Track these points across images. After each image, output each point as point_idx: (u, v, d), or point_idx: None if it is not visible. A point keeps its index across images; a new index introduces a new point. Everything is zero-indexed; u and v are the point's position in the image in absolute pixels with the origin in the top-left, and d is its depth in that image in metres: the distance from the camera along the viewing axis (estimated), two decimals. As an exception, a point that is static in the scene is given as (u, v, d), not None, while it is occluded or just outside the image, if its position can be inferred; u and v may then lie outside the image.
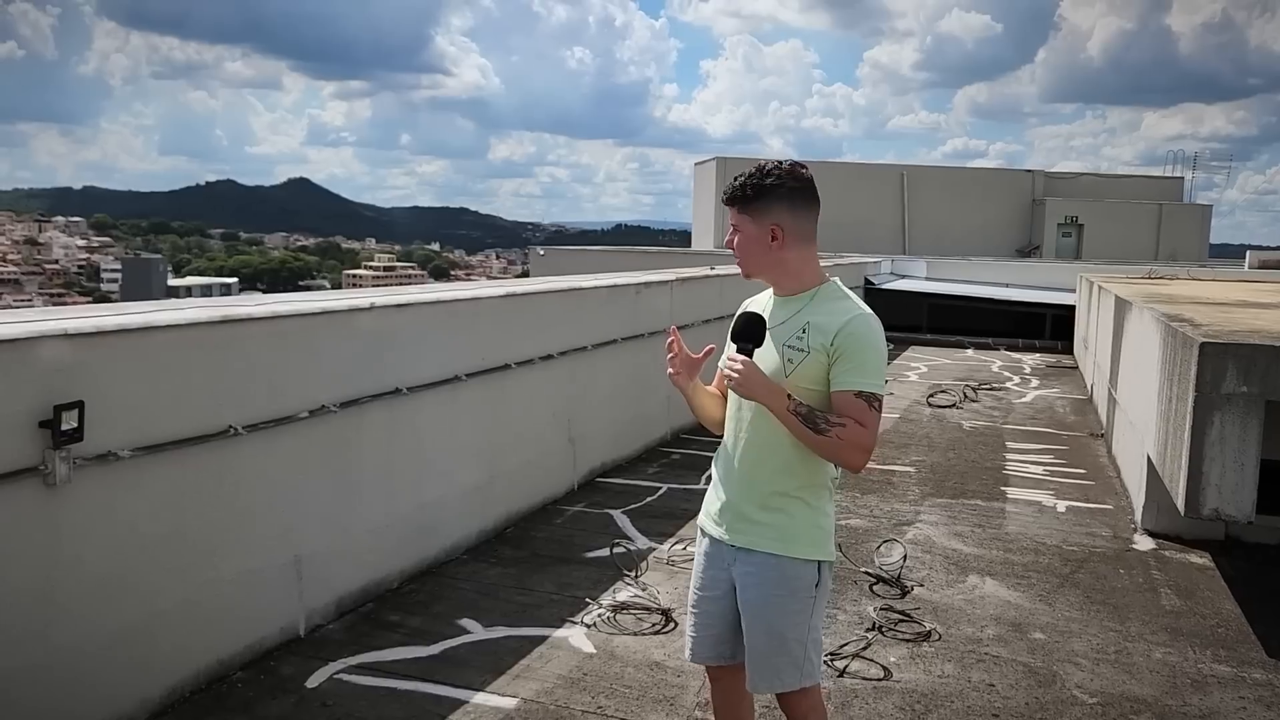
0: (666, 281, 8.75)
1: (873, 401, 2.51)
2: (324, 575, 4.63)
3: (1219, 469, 4.78)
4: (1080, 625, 4.86)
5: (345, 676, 4.13)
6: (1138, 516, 6.65)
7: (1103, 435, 9.69)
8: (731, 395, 2.72)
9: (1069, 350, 17.22)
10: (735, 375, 2.54)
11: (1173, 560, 5.92)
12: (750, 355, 2.58)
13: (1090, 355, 12.83)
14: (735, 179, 2.67)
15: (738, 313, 2.71)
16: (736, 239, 2.68)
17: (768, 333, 2.62)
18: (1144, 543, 6.25)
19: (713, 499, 2.81)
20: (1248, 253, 26.17)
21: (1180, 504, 4.94)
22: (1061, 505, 7.11)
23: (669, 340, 2.78)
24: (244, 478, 4.15)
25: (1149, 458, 6.26)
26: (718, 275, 10.24)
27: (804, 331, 2.59)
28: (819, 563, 2.66)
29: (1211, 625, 4.92)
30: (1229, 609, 5.14)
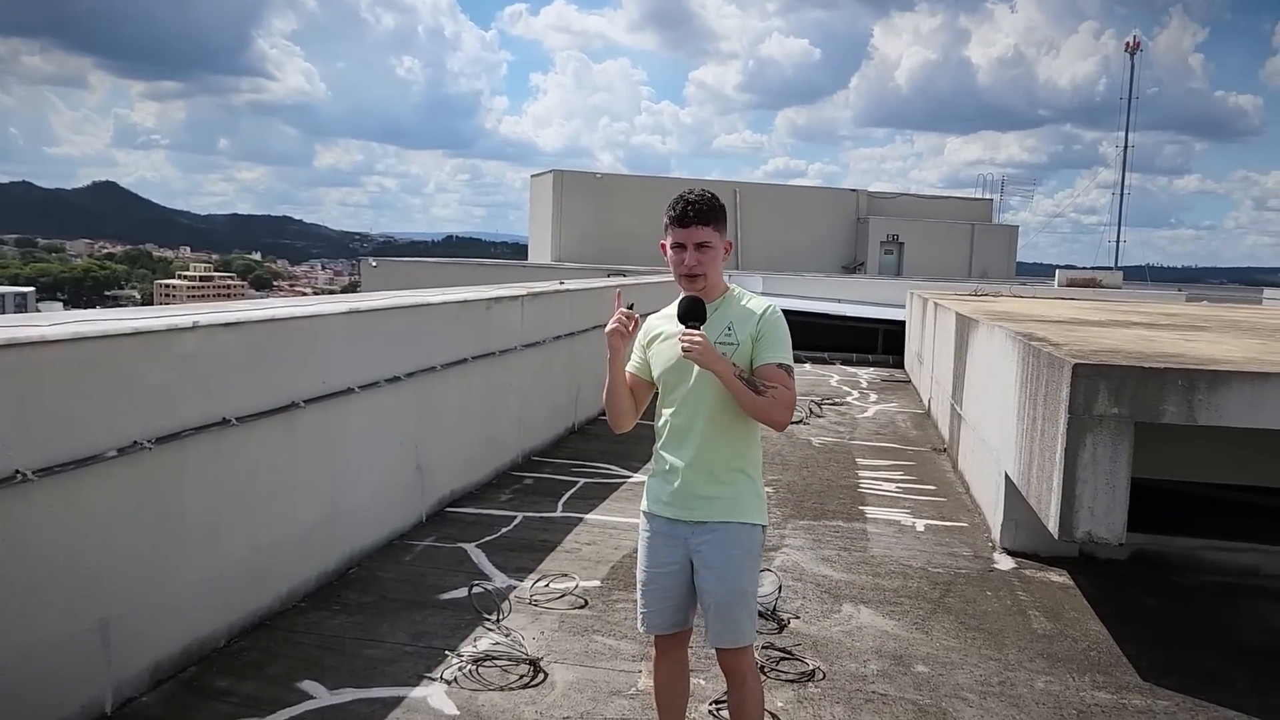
0: (518, 296, 8.32)
1: (790, 371, 3.00)
2: (137, 639, 3.98)
3: (1091, 491, 4.75)
4: (960, 655, 4.74)
5: (164, 760, 3.54)
6: (996, 535, 6.68)
7: (945, 450, 9.87)
8: (681, 387, 3.05)
9: (900, 364, 17.73)
10: (696, 345, 2.86)
11: (1035, 580, 5.93)
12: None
13: (927, 370, 13.15)
14: (698, 199, 2.97)
15: (678, 300, 3.04)
16: (707, 253, 2.99)
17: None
18: (1004, 562, 6.26)
19: (662, 485, 3.12)
20: (1057, 271, 27.92)
21: (1053, 527, 4.90)
22: (920, 524, 7.09)
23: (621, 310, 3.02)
24: (36, 532, 3.49)
25: (1008, 476, 6.29)
26: (568, 290, 9.88)
27: (729, 328, 3.02)
28: (761, 527, 3.10)
29: (1083, 649, 4.89)
30: (1096, 630, 5.14)
